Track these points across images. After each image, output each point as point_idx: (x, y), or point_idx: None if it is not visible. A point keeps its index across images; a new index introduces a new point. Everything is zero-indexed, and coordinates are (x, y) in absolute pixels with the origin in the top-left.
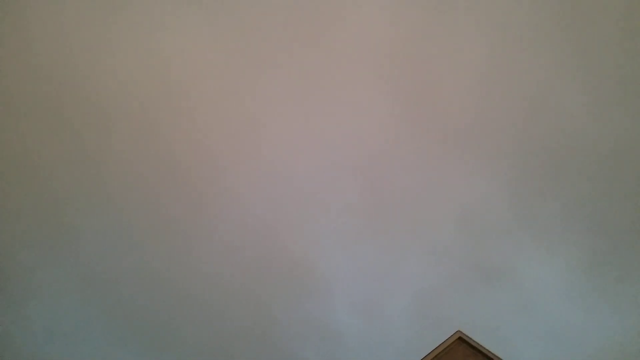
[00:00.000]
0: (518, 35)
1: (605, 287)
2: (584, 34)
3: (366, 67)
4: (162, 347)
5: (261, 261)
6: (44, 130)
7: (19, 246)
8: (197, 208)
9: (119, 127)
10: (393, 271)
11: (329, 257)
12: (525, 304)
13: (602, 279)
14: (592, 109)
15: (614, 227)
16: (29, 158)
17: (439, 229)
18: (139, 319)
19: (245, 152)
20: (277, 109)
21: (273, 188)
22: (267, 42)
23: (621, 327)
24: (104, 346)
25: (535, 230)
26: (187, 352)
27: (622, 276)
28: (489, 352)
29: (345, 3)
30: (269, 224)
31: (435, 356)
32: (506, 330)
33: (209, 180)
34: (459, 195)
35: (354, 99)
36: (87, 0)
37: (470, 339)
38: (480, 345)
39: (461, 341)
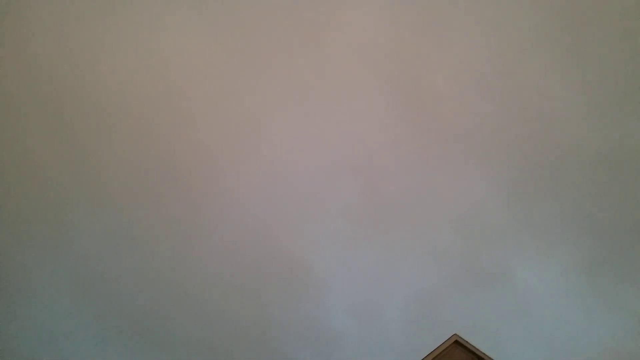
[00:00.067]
0: (517, 36)
1: (603, 290)
2: (583, 36)
3: (365, 67)
4: (161, 347)
5: (260, 261)
6: (44, 130)
7: (18, 246)
8: (196, 208)
9: (119, 127)
10: (390, 273)
11: (327, 258)
12: (522, 307)
13: (601, 281)
14: (590, 111)
15: (612, 229)
16: (29, 158)
17: (436, 231)
18: (138, 318)
19: (244, 152)
20: (276, 109)
21: (273, 188)
22: (266, 42)
23: (620, 330)
24: (104, 346)
25: (533, 233)
26: (186, 353)
27: (620, 278)
28: (486, 355)
29: (345, 3)
30: (268, 224)
31: None
32: (503, 333)
33: (209, 180)
34: (457, 197)
35: (353, 99)
36: (87, 0)
37: (467, 342)
38: (477, 349)
39: (458, 345)
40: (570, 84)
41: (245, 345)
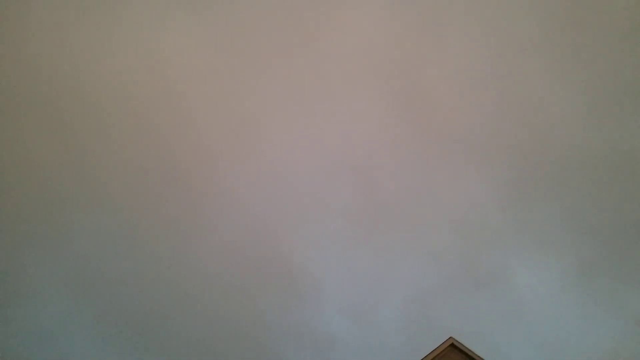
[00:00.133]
0: (516, 37)
1: (601, 292)
2: (582, 37)
3: (365, 68)
4: (160, 346)
5: (260, 261)
6: (44, 130)
7: (18, 246)
8: (196, 208)
9: (119, 127)
10: (388, 274)
11: (327, 258)
12: (519, 310)
13: (598, 283)
14: (589, 112)
15: (610, 231)
16: (29, 158)
17: (435, 232)
18: (137, 318)
19: (244, 152)
20: (276, 109)
21: (272, 188)
22: (266, 42)
23: (617, 332)
24: (104, 346)
25: (529, 236)
26: (186, 352)
27: (618, 280)
28: (482, 359)
29: (345, 4)
30: (267, 224)
31: None
32: (499, 337)
33: (208, 180)
34: (455, 198)
35: (353, 99)
36: (87, 0)
37: (463, 345)
38: (473, 352)
39: (454, 348)
40: (569, 85)
41: (244, 345)
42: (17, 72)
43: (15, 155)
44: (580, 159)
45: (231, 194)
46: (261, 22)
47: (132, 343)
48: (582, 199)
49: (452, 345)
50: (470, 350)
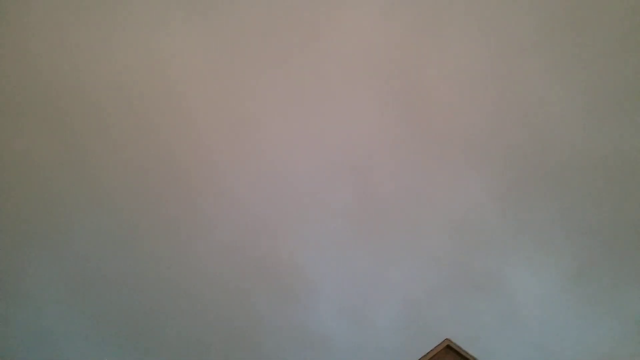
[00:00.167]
0: (516, 38)
1: (598, 294)
2: (582, 38)
3: (365, 68)
4: (160, 346)
5: (259, 261)
6: (44, 130)
7: (17, 246)
8: (195, 208)
9: (119, 127)
10: (386, 276)
11: (324, 259)
12: (517, 312)
13: (596, 285)
14: (588, 113)
15: (607, 234)
16: (29, 158)
17: (432, 234)
18: (137, 318)
19: (244, 152)
20: (276, 109)
21: (272, 188)
22: (266, 42)
23: (614, 335)
24: (103, 346)
25: (529, 236)
26: (186, 352)
27: (615, 282)
28: None
29: (344, 4)
30: (267, 224)
31: None
32: (495, 339)
33: (208, 180)
34: (454, 199)
35: (352, 99)
36: (87, 0)
37: (459, 347)
38: (469, 354)
39: (449, 350)
40: (568, 86)
41: (243, 345)
42: (17, 72)
43: (15, 155)
44: (580, 159)
45: (231, 194)
46: (261, 22)
47: (132, 343)
48: (581, 199)
49: (448, 347)
50: (466, 352)
